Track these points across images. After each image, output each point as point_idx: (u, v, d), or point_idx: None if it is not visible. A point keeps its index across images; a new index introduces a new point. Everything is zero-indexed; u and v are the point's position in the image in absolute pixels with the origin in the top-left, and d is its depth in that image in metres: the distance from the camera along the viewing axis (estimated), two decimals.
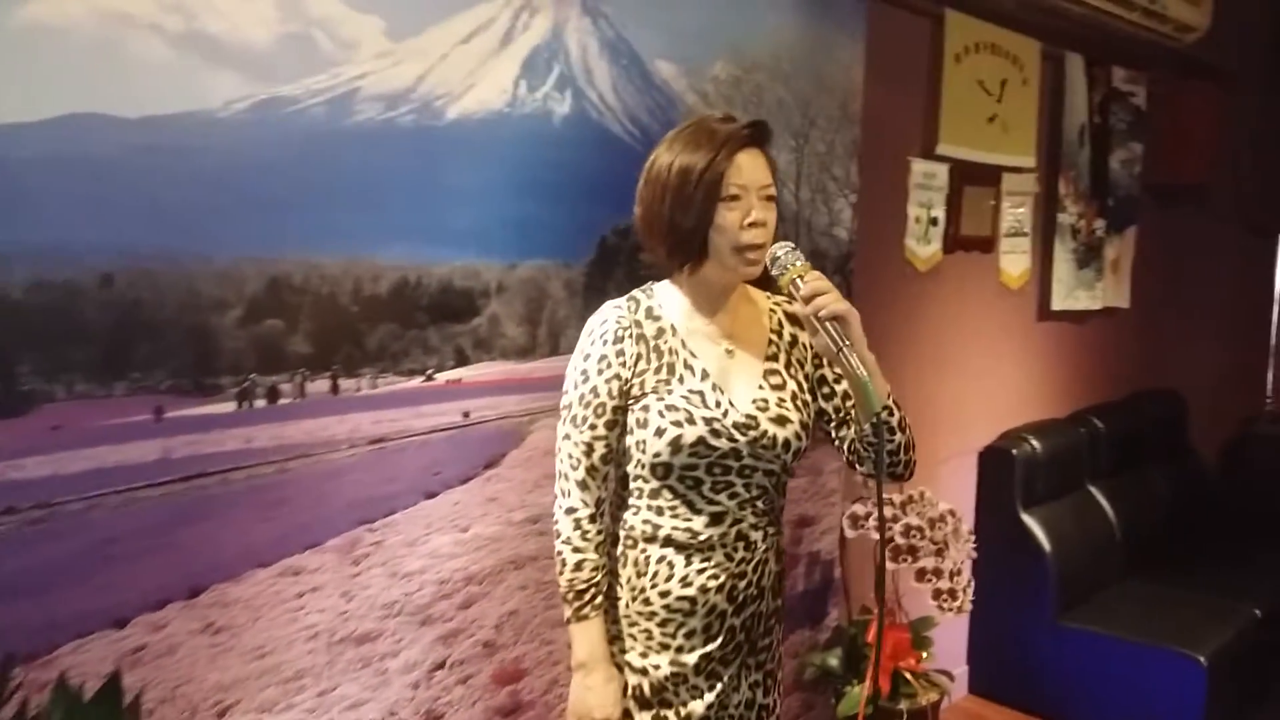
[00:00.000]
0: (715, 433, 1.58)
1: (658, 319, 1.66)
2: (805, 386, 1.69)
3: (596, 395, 1.62)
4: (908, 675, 2.84)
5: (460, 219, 2.02)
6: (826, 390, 1.71)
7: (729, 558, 1.63)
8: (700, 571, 1.62)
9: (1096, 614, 3.53)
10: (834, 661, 2.95)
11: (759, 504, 1.65)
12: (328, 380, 1.88)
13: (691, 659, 1.64)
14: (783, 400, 1.65)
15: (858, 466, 1.70)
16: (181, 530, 1.73)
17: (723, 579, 1.63)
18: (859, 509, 2.76)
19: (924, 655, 2.92)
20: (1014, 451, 3.60)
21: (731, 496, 1.62)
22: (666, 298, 1.69)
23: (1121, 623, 3.46)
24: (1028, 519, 3.58)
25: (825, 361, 1.69)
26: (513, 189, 2.09)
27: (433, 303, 2.02)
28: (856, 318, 1.53)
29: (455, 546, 2.10)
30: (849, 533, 2.74)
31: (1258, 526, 4.47)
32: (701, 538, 1.62)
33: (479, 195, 2.04)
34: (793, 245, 1.57)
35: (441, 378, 2.07)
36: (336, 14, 1.79)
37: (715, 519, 1.62)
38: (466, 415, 2.10)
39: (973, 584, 2.72)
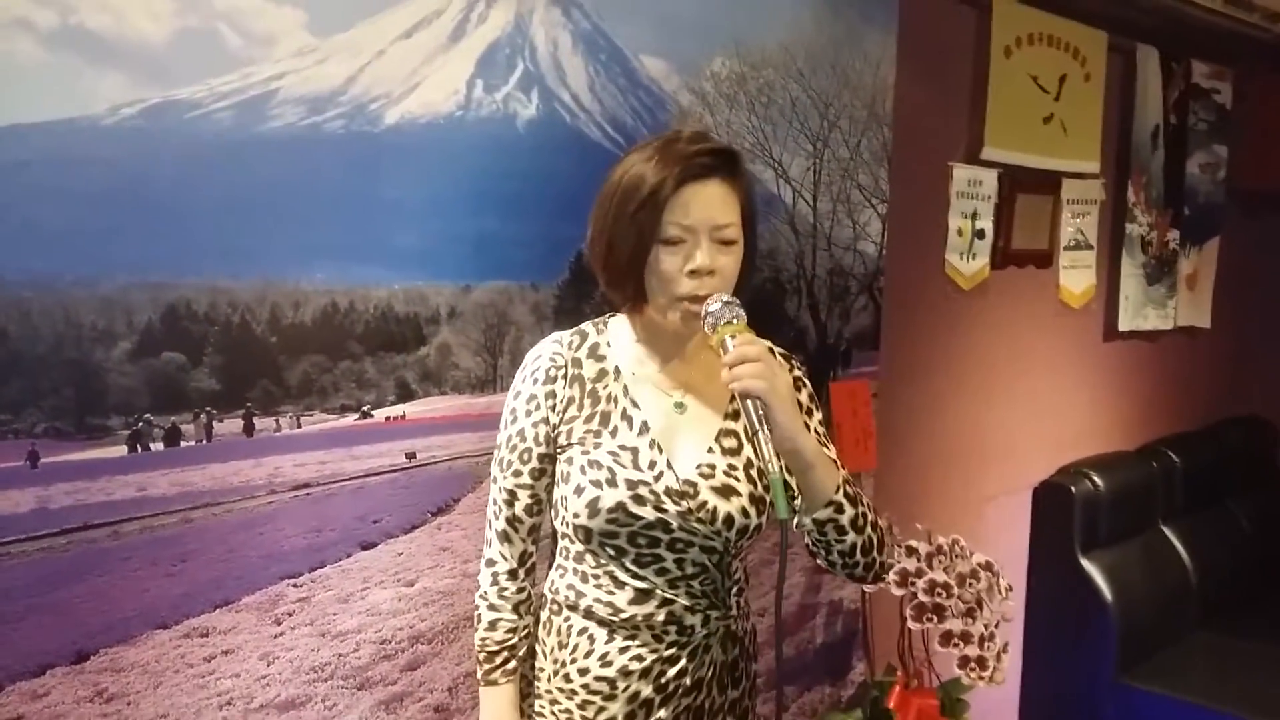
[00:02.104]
0: (639, 499, 1.33)
1: (601, 359, 1.43)
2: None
3: (523, 439, 1.42)
4: None
5: (402, 237, 1.79)
6: None
7: (657, 639, 1.39)
8: (622, 651, 1.39)
9: (1164, 672, 3.15)
10: None
11: (695, 584, 1.39)
12: (240, 420, 1.67)
13: None
14: (734, 468, 1.39)
15: (817, 560, 1.43)
16: (64, 589, 1.53)
17: (648, 662, 1.38)
18: None
19: None
20: (1073, 488, 3.24)
21: (660, 573, 1.37)
22: (618, 335, 1.45)
23: (1192, 684, 3.08)
24: (1087, 564, 3.22)
25: None
26: (467, 202, 1.86)
27: (369, 331, 1.79)
28: (782, 395, 1.27)
29: (399, 602, 1.88)
30: (867, 588, 2.44)
31: None
32: (624, 615, 1.38)
33: (425, 210, 1.81)
34: (730, 299, 1.31)
35: (380, 415, 1.84)
36: (246, 5, 1.57)
37: (641, 596, 1.38)
38: (412, 456, 1.87)
39: (1011, 651, 2.39)
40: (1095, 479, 3.27)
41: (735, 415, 1.42)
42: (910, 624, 2.37)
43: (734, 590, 1.44)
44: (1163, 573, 3.43)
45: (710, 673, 1.42)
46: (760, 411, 1.24)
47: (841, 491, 1.35)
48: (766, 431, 1.24)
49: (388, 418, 1.85)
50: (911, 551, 2.43)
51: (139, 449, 1.58)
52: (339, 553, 1.80)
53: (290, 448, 1.73)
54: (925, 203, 2.84)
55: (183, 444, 1.62)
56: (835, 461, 1.39)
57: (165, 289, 1.57)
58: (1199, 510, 3.64)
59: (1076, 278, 3.35)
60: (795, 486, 1.32)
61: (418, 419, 1.88)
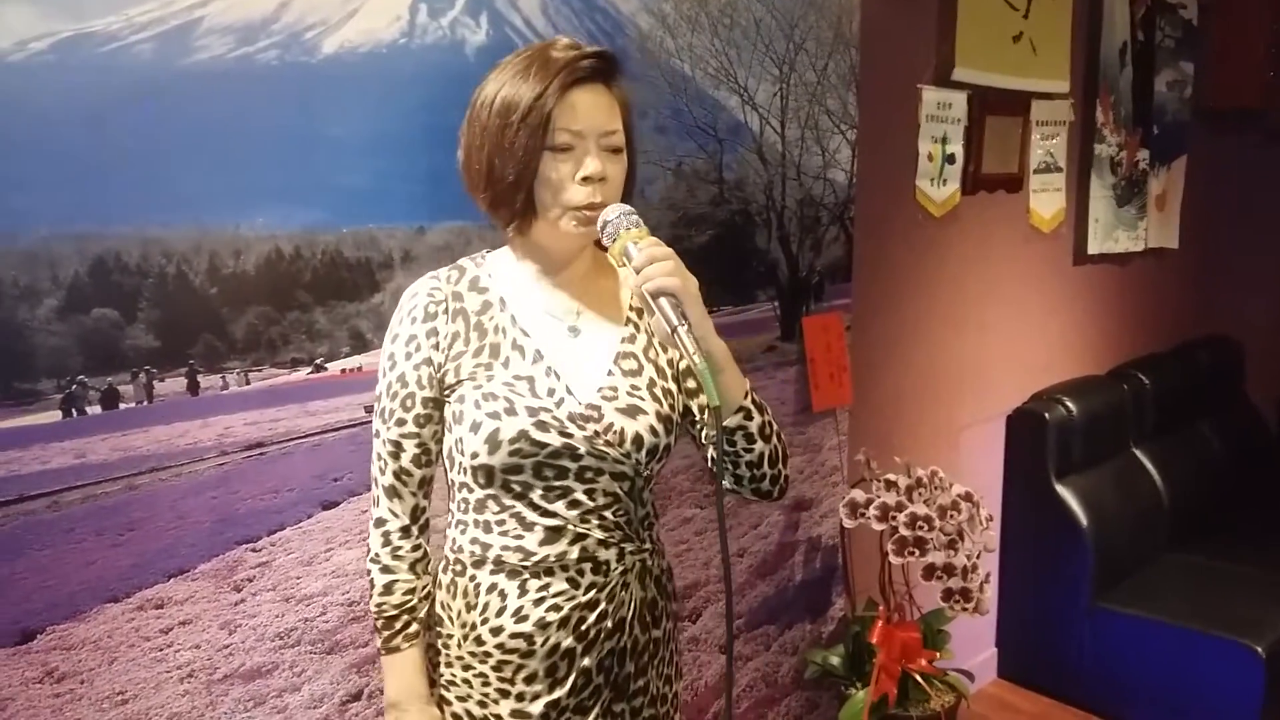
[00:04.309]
0: (542, 425, 1.27)
1: (484, 291, 1.36)
2: (670, 374, 1.37)
3: (404, 384, 1.35)
4: (918, 678, 2.51)
5: (347, 176, 1.67)
6: (693, 384, 1.39)
7: (573, 584, 1.32)
8: (538, 602, 1.32)
9: (1139, 594, 3.16)
10: (835, 660, 2.63)
11: (607, 515, 1.33)
12: (183, 378, 1.56)
13: (536, 709, 1.34)
14: (636, 388, 1.33)
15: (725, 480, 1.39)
16: (3, 565, 1.43)
17: (566, 610, 1.32)
18: (858, 495, 2.41)
19: (938, 654, 2.59)
20: (1046, 415, 3.22)
21: (571, 506, 1.31)
22: (500, 266, 1.39)
23: (1167, 605, 3.09)
24: (1062, 490, 3.21)
25: None
26: (415, 137, 1.74)
27: (317, 279, 1.68)
28: (693, 295, 1.23)
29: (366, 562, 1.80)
30: (847, 522, 2.40)
31: None
32: (535, 558, 1.31)
33: (371, 147, 1.69)
34: (628, 208, 1.26)
35: (335, 367, 1.74)
36: None
37: (552, 535, 1.31)
38: (371, 409, 1.77)
39: (992, 581, 2.37)
40: (1068, 404, 3.26)
41: (631, 338, 1.37)
42: (892, 558, 2.34)
43: (645, 522, 1.39)
44: (1135, 495, 3.44)
45: (631, 611, 1.36)
46: (679, 308, 1.20)
47: (750, 398, 1.33)
48: (686, 324, 1.20)
49: (343, 370, 1.75)
50: (891, 485, 2.39)
51: (74, 413, 1.47)
52: (299, 514, 1.71)
53: (239, 406, 1.63)
54: (894, 128, 2.75)
55: (122, 406, 1.51)
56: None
57: (91, 240, 1.45)
58: (1170, 432, 3.65)
59: (1046, 201, 3.29)
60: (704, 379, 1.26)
61: (375, 370, 1.78)
